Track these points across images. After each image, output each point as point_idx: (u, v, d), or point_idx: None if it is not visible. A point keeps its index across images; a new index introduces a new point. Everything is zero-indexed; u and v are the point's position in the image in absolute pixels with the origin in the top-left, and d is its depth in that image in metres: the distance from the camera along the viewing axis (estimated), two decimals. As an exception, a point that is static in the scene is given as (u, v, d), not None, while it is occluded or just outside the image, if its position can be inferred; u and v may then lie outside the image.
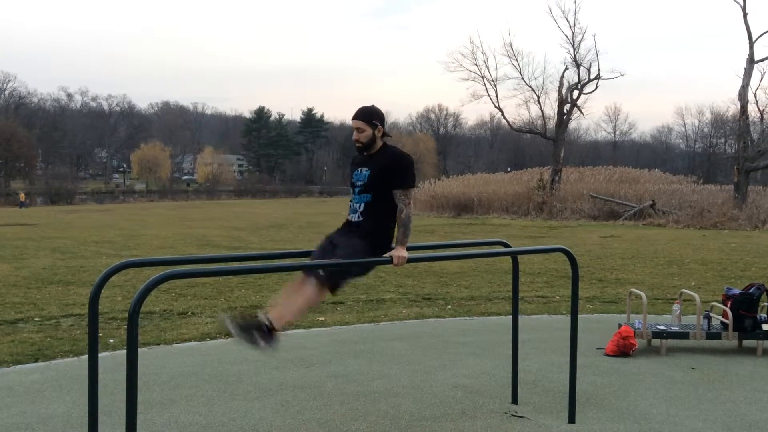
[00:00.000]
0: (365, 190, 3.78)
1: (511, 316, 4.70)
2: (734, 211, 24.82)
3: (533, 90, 36.55)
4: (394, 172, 3.74)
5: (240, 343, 3.44)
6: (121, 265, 3.45)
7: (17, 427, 4.09)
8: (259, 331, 3.43)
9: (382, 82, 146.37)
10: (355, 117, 3.79)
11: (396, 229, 3.77)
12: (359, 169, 3.85)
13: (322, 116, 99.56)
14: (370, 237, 3.72)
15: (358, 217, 3.81)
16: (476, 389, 4.91)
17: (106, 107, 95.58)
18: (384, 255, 3.72)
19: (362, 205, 3.79)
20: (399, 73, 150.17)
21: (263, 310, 3.61)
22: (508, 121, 37.77)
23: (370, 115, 3.78)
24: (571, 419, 4.22)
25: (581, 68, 33.44)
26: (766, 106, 30.15)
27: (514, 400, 4.61)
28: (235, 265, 3.87)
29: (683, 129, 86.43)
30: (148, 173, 79.31)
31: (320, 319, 7.60)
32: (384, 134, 3.83)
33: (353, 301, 8.77)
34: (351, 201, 3.92)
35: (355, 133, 3.80)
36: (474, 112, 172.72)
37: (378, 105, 3.81)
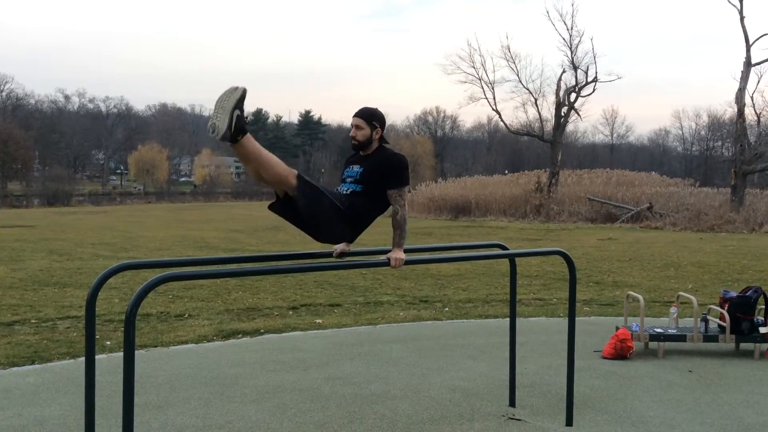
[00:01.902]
0: (355, 183, 3.73)
1: (508, 319, 4.70)
2: (731, 214, 24.86)
3: (531, 93, 36.62)
4: (387, 171, 3.70)
5: (217, 104, 3.24)
6: (118, 267, 3.44)
7: (13, 429, 4.08)
8: (238, 121, 3.25)
9: (380, 84, 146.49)
10: (357, 114, 3.77)
11: (392, 231, 3.76)
12: (352, 167, 3.82)
13: (319, 118, 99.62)
14: (351, 208, 3.59)
15: (344, 193, 3.70)
16: (474, 392, 4.91)
17: (103, 109, 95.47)
18: (381, 257, 3.72)
19: (349, 190, 3.70)
20: (397, 75, 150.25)
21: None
22: (505, 124, 37.83)
23: (371, 116, 3.76)
24: (569, 422, 4.22)
25: (579, 71, 33.53)
26: (762, 109, 30.22)
27: (512, 403, 4.61)
28: (233, 267, 3.86)
29: (680, 132, 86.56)
30: (146, 175, 79.18)
31: (317, 321, 7.59)
32: (382, 138, 3.82)
33: (350, 304, 8.77)
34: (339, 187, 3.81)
35: (353, 129, 3.77)
36: (471, 115, 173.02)
37: (376, 107, 3.81)
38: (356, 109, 3.79)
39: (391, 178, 3.71)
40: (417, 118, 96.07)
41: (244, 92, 3.30)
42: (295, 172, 3.45)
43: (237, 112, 3.26)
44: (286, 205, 3.52)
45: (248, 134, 3.31)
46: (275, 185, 3.48)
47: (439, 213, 32.63)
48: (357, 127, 3.76)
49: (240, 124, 3.26)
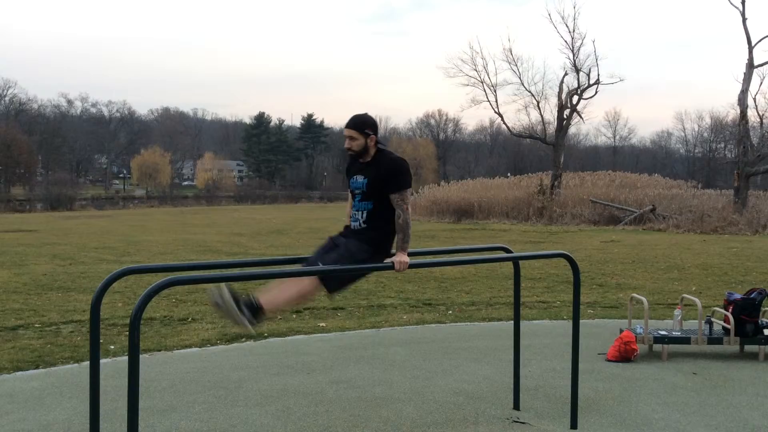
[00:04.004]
0: (365, 198, 3.79)
1: (512, 322, 4.69)
2: (734, 216, 24.80)
3: (533, 95, 36.57)
4: (389, 177, 3.73)
5: (223, 315, 3.40)
6: (122, 271, 3.45)
7: (18, 434, 4.08)
8: (247, 306, 3.41)
9: (382, 88, 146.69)
10: (347, 126, 3.78)
11: (395, 234, 3.77)
12: (356, 177, 3.86)
13: (322, 122, 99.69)
14: (373, 243, 3.73)
15: (360, 225, 3.82)
16: (478, 395, 4.90)
17: (106, 113, 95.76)
18: (385, 261, 3.73)
19: (364, 213, 3.79)
20: (399, 78, 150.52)
21: (254, 292, 3.59)
22: (507, 127, 37.78)
23: (362, 124, 3.76)
24: (573, 425, 4.22)
25: (581, 73, 33.49)
26: (765, 111, 30.17)
27: (516, 405, 4.60)
28: (236, 271, 3.87)
29: (683, 134, 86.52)
30: (148, 179, 79.31)
31: (321, 325, 7.59)
32: (377, 142, 3.82)
33: (354, 307, 8.76)
34: (352, 208, 3.92)
35: (347, 141, 3.79)
36: (474, 118, 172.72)
37: (378, 110, 3.87)
38: (348, 118, 3.81)
39: (392, 182, 3.73)
40: (419, 121, 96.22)
41: (227, 290, 3.39)
42: (315, 281, 3.63)
43: (241, 314, 3.41)
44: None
45: (262, 307, 3.48)
46: (315, 294, 3.76)
47: (441, 216, 32.60)
48: (350, 138, 3.78)
49: (253, 312, 3.45)
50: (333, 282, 3.65)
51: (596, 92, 34.05)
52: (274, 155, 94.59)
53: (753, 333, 5.97)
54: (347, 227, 3.94)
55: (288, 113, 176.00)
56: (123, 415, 3.26)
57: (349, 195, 3.97)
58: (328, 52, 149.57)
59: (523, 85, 36.50)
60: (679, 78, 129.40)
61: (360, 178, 3.82)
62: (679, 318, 6.35)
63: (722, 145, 79.71)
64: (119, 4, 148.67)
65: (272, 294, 3.56)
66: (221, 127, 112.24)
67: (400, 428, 4.21)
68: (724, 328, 6.10)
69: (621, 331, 6.11)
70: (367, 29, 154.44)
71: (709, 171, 73.10)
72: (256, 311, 3.43)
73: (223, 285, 3.33)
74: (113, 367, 5.53)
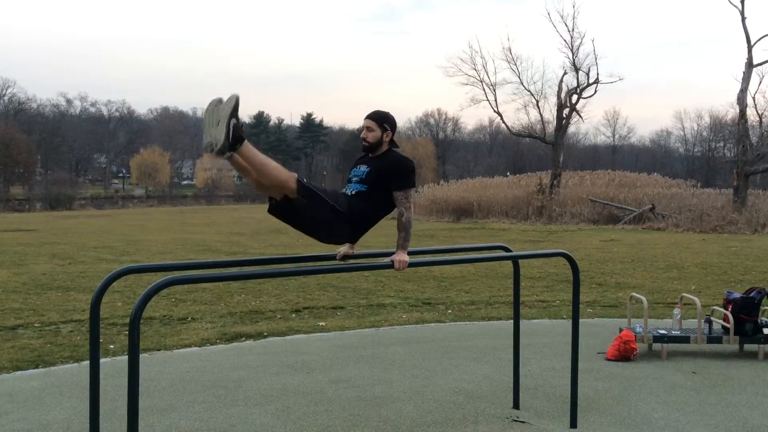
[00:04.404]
0: (361, 182, 3.73)
1: (511, 321, 4.70)
2: (734, 215, 24.82)
3: (532, 94, 36.63)
4: (393, 173, 3.70)
5: (212, 115, 3.12)
6: (121, 271, 3.45)
7: (17, 433, 4.08)
8: (235, 127, 3.15)
9: (382, 87, 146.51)
10: (368, 116, 3.78)
11: (396, 233, 3.75)
12: (358, 166, 3.82)
13: (321, 121, 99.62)
14: (350, 209, 3.60)
15: (349, 194, 3.71)
16: (477, 394, 4.90)
17: (105, 113, 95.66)
18: (385, 260, 3.72)
19: (354, 191, 3.71)
20: (398, 77, 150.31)
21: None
22: (507, 126, 37.84)
23: (383, 119, 3.78)
24: (573, 424, 4.22)
25: (580, 72, 33.54)
26: (764, 110, 30.20)
27: (516, 405, 4.61)
28: (235, 270, 3.86)
29: (682, 133, 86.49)
30: (148, 178, 79.24)
31: (321, 324, 7.59)
32: (392, 141, 3.82)
33: (353, 306, 8.77)
34: (346, 187, 3.81)
35: (364, 131, 3.79)
36: (473, 117, 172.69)
37: (388, 111, 3.82)
38: (367, 112, 3.80)
39: (396, 179, 3.71)
40: (419, 120, 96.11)
41: (237, 100, 3.16)
42: (295, 175, 3.43)
43: (233, 121, 3.14)
44: (286, 208, 3.50)
45: (246, 142, 3.23)
46: (276, 191, 3.45)
47: (441, 215, 32.62)
48: (368, 128, 3.77)
49: (237, 133, 3.16)
50: (304, 190, 3.39)
51: (595, 91, 34.15)
52: (274, 155, 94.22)
53: (752, 332, 5.97)
54: None
55: (287, 112, 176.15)
56: (123, 415, 3.27)
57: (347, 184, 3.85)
58: (328, 52, 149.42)
59: (522, 84, 36.58)
60: (679, 77, 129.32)
61: (363, 167, 3.79)
62: (679, 317, 6.35)
63: (721, 144, 79.70)
64: (119, 4, 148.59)
65: (258, 153, 3.32)
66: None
67: (400, 427, 4.21)
68: (723, 327, 6.11)
69: (620, 330, 6.12)
70: (367, 29, 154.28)
71: (709, 170, 73.12)
72: (238, 138, 3.16)
73: (234, 100, 3.11)
74: (113, 366, 5.53)
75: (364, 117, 3.81)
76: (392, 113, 3.84)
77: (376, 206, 3.70)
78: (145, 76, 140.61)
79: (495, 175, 49.53)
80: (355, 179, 3.78)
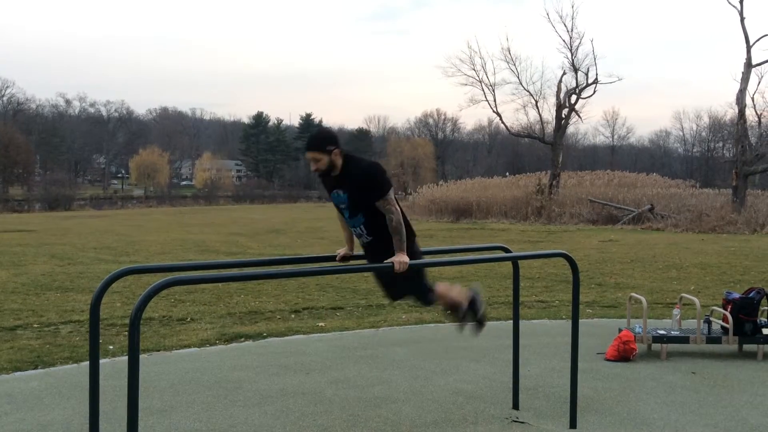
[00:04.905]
0: (354, 212, 3.79)
1: (511, 321, 4.70)
2: (733, 215, 24.82)
3: (531, 94, 36.57)
4: (367, 187, 3.70)
5: (469, 307, 4.34)
6: (121, 272, 3.45)
7: (17, 434, 4.07)
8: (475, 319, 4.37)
9: (381, 87, 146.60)
10: (307, 149, 3.68)
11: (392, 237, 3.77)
12: (336, 192, 3.80)
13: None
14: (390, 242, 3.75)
15: (367, 238, 3.85)
16: (477, 395, 4.91)
17: (104, 113, 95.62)
18: (385, 261, 3.72)
19: (362, 227, 3.80)
20: (397, 77, 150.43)
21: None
22: (506, 126, 37.82)
23: (321, 143, 3.68)
24: (573, 424, 4.22)
25: (579, 73, 33.48)
26: (763, 110, 30.16)
27: (515, 405, 4.61)
28: (235, 271, 3.87)
29: (681, 133, 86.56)
30: (147, 179, 79.18)
31: (320, 324, 7.59)
32: (342, 152, 3.73)
33: (353, 307, 8.77)
34: (347, 224, 3.93)
35: (312, 164, 3.69)
36: (472, 117, 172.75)
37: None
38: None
39: (372, 190, 3.70)
40: (418, 121, 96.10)
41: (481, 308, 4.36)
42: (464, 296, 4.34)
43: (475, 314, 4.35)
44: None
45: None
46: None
47: (440, 215, 32.61)
48: (315, 160, 3.67)
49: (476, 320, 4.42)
50: (423, 296, 4.18)
51: (594, 91, 34.10)
52: (273, 155, 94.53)
53: (751, 332, 5.97)
54: (363, 247, 3.95)
55: (286, 113, 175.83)
56: (122, 415, 3.26)
57: (337, 210, 3.95)
58: (327, 52, 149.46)
59: (521, 84, 36.53)
60: (678, 77, 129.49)
61: (340, 193, 3.77)
62: (678, 317, 6.36)
63: (720, 144, 79.74)
64: (118, 4, 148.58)
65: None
66: (219, 127, 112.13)
67: (399, 428, 4.21)
68: (722, 327, 6.11)
69: (620, 330, 6.12)
70: (367, 28, 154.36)
71: (708, 170, 73.13)
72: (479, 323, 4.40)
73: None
74: (112, 367, 5.52)
75: (305, 150, 3.71)
76: (325, 127, 3.82)
77: (384, 224, 3.75)
78: (145, 76, 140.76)
79: (494, 175, 49.58)
80: (342, 207, 3.84)
